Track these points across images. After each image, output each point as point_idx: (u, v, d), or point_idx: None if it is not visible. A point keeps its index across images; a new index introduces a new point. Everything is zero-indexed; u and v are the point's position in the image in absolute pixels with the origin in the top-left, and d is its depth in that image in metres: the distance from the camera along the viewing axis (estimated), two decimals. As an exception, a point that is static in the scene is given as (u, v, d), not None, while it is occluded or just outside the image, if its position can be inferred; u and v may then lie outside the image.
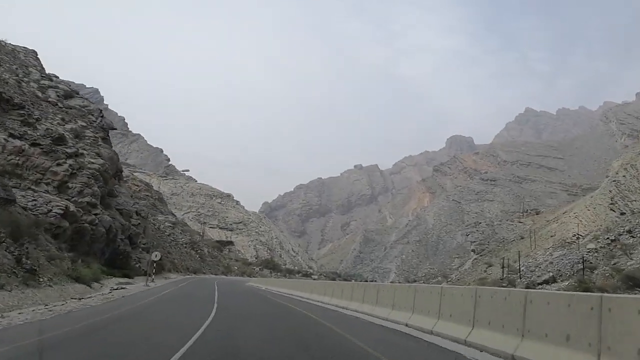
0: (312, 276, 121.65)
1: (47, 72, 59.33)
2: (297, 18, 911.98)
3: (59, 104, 50.19)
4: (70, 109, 52.00)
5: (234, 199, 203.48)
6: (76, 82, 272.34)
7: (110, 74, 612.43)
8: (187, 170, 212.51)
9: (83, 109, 55.25)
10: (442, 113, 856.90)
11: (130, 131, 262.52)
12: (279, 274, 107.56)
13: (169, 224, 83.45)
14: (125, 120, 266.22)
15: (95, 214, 38.80)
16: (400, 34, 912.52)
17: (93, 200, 39.29)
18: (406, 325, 15.68)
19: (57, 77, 59.06)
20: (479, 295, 11.50)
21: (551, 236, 75.90)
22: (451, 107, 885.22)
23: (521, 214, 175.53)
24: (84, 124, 50.05)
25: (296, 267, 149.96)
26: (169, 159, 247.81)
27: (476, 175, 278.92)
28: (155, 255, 42.22)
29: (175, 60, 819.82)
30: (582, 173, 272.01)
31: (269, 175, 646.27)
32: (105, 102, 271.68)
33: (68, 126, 45.11)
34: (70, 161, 38.77)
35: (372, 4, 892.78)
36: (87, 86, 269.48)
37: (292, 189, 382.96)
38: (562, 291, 25.46)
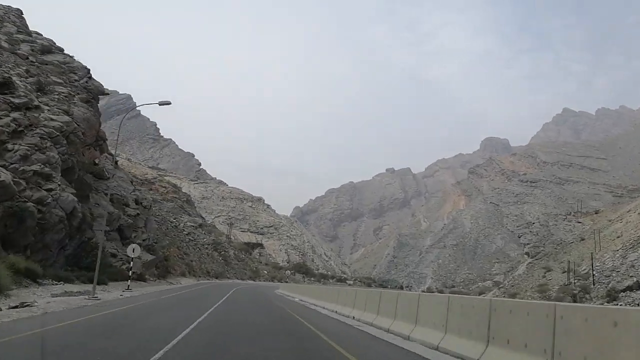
0: (347, 282, 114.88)
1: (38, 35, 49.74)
2: (325, 24, 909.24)
3: (30, 57, 40.63)
4: (46, 64, 42.37)
5: (265, 202, 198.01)
6: (110, 88, 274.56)
7: (143, 82, 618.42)
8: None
9: (63, 66, 44.76)
10: (475, 115, 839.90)
11: (162, 136, 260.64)
12: (312, 279, 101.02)
13: (192, 225, 77.43)
14: (157, 126, 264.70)
15: (49, 190, 27.59)
16: (430, 36, 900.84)
17: (47, 170, 28.22)
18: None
19: (40, 34, 49.28)
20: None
21: (617, 237, 67.01)
22: (484, 109, 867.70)
23: (576, 214, 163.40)
24: (59, 80, 40.44)
25: (329, 272, 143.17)
26: (199, 164, 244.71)
27: (514, 177, 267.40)
28: (133, 250, 30.49)
29: (208, 68, 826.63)
30: (627, 174, 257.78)
31: (299, 181, 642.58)
32: (137, 108, 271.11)
33: (32, 80, 35.49)
34: (15, 114, 29.04)
35: (400, 6, 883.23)
36: (120, 92, 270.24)
37: (324, 193, 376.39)
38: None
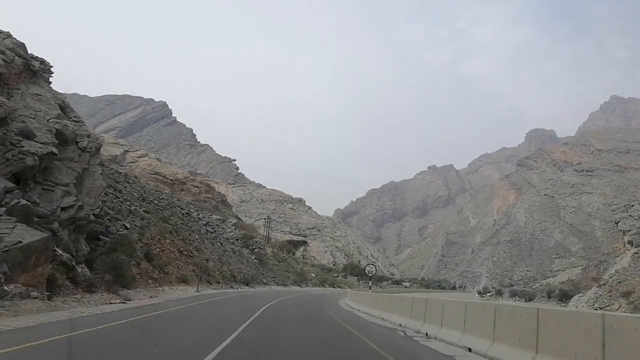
0: (403, 283, 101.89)
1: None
2: (358, 27, 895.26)
3: None
4: None
5: (306, 204, 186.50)
6: (145, 97, 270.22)
7: (181, 89, 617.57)
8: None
9: None
10: (517, 108, 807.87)
11: (199, 142, 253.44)
12: (371, 282, 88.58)
13: (219, 218, 65.30)
14: (194, 132, 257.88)
15: None
16: (465, 31, 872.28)
17: None
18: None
19: None
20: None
21: None
22: (525, 102, 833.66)
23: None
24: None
25: (384, 274, 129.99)
26: (237, 168, 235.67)
27: (567, 168, 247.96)
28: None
29: (246, 75, 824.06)
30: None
31: (337, 183, 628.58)
32: (173, 115, 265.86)
33: None
34: None
35: (434, 4, 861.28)
36: (155, 100, 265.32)
37: (365, 194, 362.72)
38: None
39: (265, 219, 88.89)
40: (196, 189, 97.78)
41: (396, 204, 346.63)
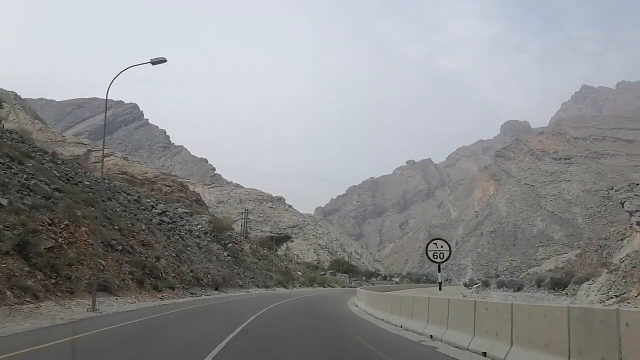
0: (393, 279, 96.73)
1: None
2: (333, 24, 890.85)
3: None
4: None
5: (286, 202, 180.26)
6: (114, 99, 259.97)
7: (152, 90, 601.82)
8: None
9: None
10: (492, 101, 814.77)
11: (173, 143, 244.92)
12: (364, 279, 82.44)
13: (186, 212, 57.28)
14: (167, 133, 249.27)
15: None
16: (439, 27, 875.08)
17: None
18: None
19: None
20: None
21: None
22: (500, 95, 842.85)
23: None
24: None
25: (369, 270, 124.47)
26: (214, 169, 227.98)
27: (545, 156, 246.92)
28: None
29: (218, 74, 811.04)
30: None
31: (317, 181, 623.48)
32: (145, 117, 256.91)
33: None
34: None
35: (406, 0, 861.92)
36: (125, 102, 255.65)
37: (345, 192, 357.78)
38: None
39: (242, 212, 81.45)
40: (168, 188, 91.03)
41: (376, 199, 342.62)
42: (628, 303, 42.49)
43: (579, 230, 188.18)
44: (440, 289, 27.30)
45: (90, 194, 32.52)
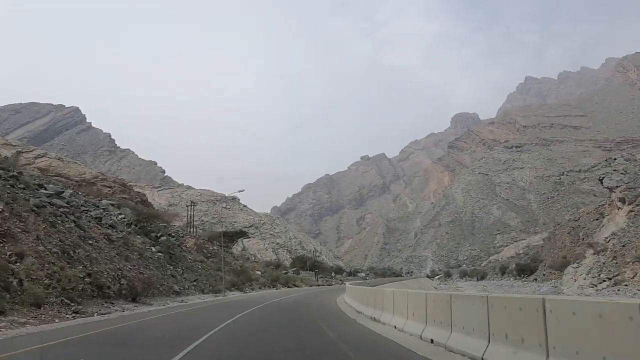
0: (359, 274, 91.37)
1: None
2: (282, 23, 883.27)
3: None
4: None
5: (241, 202, 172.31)
6: (54, 103, 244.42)
7: (97, 93, 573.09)
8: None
9: None
10: (441, 95, 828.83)
11: (119, 147, 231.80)
12: (333, 275, 75.77)
13: (112, 203, 47.64)
14: (112, 137, 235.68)
15: None
16: (386, 24, 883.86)
17: None
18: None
19: None
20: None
21: None
22: (449, 89, 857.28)
23: None
24: None
25: (329, 266, 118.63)
26: (164, 171, 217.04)
27: (496, 146, 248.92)
28: None
29: (167, 75, 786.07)
30: (611, 127, 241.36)
31: (272, 181, 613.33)
32: (87, 120, 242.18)
33: None
34: None
35: None
36: (66, 106, 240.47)
37: (300, 190, 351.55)
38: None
39: (188, 205, 73.27)
40: (108, 189, 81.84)
41: (332, 196, 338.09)
42: (626, 285, 38.17)
43: (535, 217, 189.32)
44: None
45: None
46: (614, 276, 40.87)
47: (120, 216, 38.99)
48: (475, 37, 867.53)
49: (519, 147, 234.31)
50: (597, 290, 40.18)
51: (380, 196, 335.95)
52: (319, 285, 73.35)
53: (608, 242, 46.08)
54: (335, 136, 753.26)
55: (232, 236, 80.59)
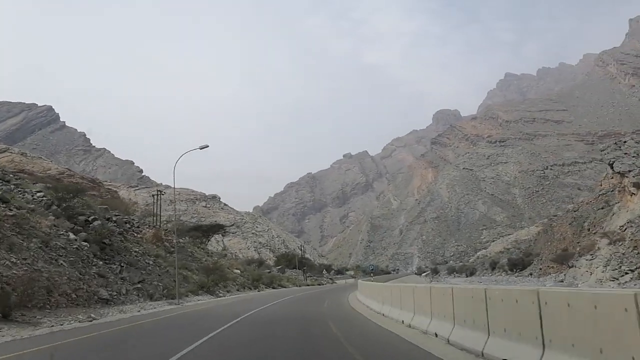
0: (347, 272, 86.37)
1: None
2: (261, 23, 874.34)
3: None
4: None
5: (221, 200, 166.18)
6: (27, 102, 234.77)
7: (74, 92, 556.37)
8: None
9: None
10: (421, 92, 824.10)
11: (94, 146, 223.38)
12: (325, 273, 69.54)
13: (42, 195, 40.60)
14: (87, 136, 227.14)
15: None
16: (364, 22, 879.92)
17: None
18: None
19: None
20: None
21: None
22: (428, 86, 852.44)
23: None
24: None
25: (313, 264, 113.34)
26: (141, 171, 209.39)
27: (480, 141, 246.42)
28: None
29: (145, 74, 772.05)
30: (592, 121, 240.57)
31: (253, 181, 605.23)
32: (62, 119, 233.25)
33: None
34: None
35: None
36: (39, 105, 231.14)
37: (283, 189, 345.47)
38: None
39: (153, 194, 66.54)
40: (75, 185, 75.38)
41: (315, 195, 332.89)
42: (655, 277, 33.58)
43: (520, 211, 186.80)
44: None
45: None
46: (636, 267, 36.30)
47: (38, 194, 31.98)
48: (454, 35, 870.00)
49: (503, 141, 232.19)
50: (619, 283, 35.54)
51: (364, 194, 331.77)
52: (308, 285, 66.93)
53: (624, 231, 41.64)
54: (318, 135, 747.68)
55: (207, 230, 73.38)
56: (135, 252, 33.92)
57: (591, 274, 39.85)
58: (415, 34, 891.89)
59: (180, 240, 44.39)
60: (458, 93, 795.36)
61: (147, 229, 42.30)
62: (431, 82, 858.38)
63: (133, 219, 45.25)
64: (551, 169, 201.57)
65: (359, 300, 23.37)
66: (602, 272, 38.50)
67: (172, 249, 36.00)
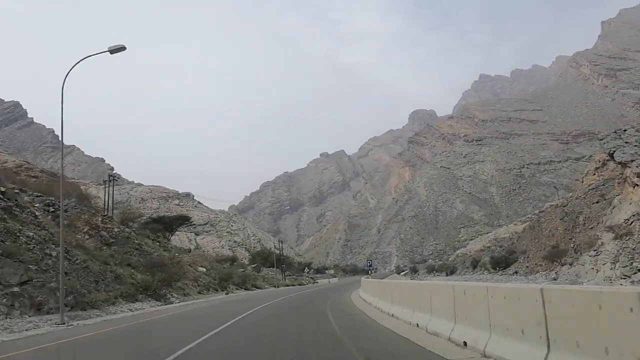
0: (327, 271, 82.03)
1: None
2: (238, 22, 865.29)
3: None
4: None
5: (195, 198, 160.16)
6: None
7: (40, 87, 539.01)
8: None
9: None
10: (397, 92, 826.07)
11: (64, 143, 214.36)
12: (306, 272, 64.84)
13: None
14: (55, 133, 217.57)
15: None
16: (341, 23, 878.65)
17: None
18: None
19: None
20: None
21: None
22: (405, 87, 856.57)
23: None
24: None
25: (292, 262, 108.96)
26: (112, 168, 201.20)
27: (456, 140, 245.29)
28: None
29: (118, 70, 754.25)
30: (567, 120, 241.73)
31: (231, 180, 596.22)
32: (29, 116, 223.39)
33: None
34: None
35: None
36: (5, 100, 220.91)
37: (259, 188, 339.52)
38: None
39: (106, 180, 60.28)
40: (34, 179, 69.96)
41: (292, 194, 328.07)
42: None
43: (498, 209, 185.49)
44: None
45: None
46: (651, 263, 32.70)
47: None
48: (430, 36, 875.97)
49: (479, 140, 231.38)
50: (632, 282, 31.82)
51: (341, 193, 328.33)
52: (288, 286, 60.79)
53: (631, 224, 38.15)
54: (294, 134, 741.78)
55: (171, 223, 66.50)
56: (27, 237, 22.87)
57: (597, 271, 36.34)
58: (392, 35, 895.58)
59: (126, 229, 38.64)
60: (434, 93, 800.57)
61: (81, 215, 34.91)
62: (407, 83, 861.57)
63: (52, 200, 34.90)
64: (527, 168, 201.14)
65: (381, 310, 17.05)
66: (611, 269, 34.94)
67: (112, 240, 30.03)
